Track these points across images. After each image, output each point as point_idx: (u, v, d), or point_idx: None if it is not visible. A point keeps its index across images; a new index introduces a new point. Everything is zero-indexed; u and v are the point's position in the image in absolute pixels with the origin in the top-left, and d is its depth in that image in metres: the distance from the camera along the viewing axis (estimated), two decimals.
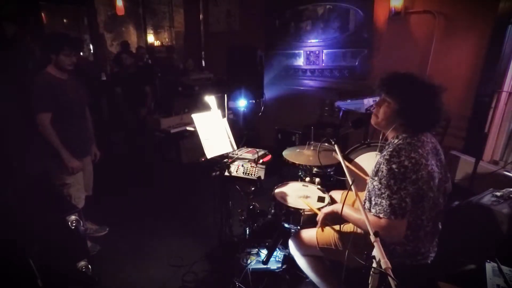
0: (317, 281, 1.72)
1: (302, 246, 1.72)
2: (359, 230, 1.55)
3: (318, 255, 1.67)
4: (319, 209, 1.80)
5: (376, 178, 1.32)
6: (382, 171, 1.28)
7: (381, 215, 1.27)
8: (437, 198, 1.35)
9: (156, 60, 6.63)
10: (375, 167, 1.36)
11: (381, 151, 1.54)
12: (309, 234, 1.71)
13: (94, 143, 2.52)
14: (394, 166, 1.25)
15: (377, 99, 1.47)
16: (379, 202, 1.28)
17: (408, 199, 1.24)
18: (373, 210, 1.31)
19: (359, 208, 1.30)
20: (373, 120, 1.45)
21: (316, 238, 1.65)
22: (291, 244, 1.79)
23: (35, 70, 2.15)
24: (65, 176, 2.20)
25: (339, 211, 1.44)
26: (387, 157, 1.29)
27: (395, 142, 1.37)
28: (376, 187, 1.31)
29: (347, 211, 1.43)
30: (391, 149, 1.31)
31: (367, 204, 1.46)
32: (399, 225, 1.26)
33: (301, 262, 1.75)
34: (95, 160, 2.55)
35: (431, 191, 1.30)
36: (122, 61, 4.27)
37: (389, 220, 1.25)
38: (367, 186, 1.47)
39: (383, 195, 1.27)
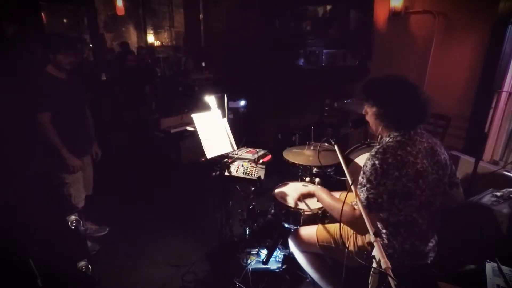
0: (317, 277, 1.72)
1: (302, 243, 1.73)
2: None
3: (318, 252, 1.68)
4: (322, 209, 1.81)
5: (361, 174, 1.35)
6: (366, 166, 1.32)
7: (355, 206, 1.32)
8: (430, 197, 1.35)
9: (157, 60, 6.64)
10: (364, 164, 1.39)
11: None
12: (309, 231, 1.71)
13: (95, 142, 2.53)
14: (377, 162, 1.29)
15: None
16: (359, 194, 1.32)
17: (385, 196, 1.28)
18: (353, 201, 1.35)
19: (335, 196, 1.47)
20: (369, 127, 1.53)
21: (316, 235, 1.66)
22: (290, 241, 1.80)
23: (35, 70, 2.15)
24: (65, 175, 2.20)
25: (315, 192, 1.60)
26: (373, 153, 1.33)
27: (385, 140, 1.41)
28: (359, 181, 1.35)
29: (322, 195, 1.55)
30: (378, 146, 1.36)
31: None
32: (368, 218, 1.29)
33: (301, 258, 1.76)
34: (96, 159, 2.55)
35: (418, 189, 1.31)
36: (126, 62, 4.28)
37: (363, 211, 1.25)
38: None
39: (362, 188, 1.31)
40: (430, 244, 1.45)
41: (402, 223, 1.35)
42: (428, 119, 1.42)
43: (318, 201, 1.67)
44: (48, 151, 2.13)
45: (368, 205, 1.28)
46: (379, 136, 1.48)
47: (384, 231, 1.40)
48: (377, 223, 1.38)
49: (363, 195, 1.30)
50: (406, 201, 1.31)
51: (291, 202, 1.92)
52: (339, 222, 1.58)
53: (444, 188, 1.42)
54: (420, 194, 1.32)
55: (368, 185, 1.30)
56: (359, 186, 1.35)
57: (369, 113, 1.46)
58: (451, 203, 1.52)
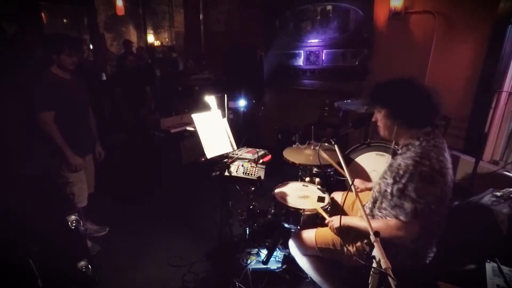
0: (318, 280, 1.72)
1: (302, 246, 1.72)
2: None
3: (318, 255, 1.68)
4: (323, 208, 1.80)
5: (401, 181, 1.30)
6: (410, 173, 1.27)
7: (401, 217, 1.27)
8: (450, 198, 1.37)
9: (156, 60, 6.63)
10: (396, 169, 1.34)
11: (393, 154, 1.55)
12: (308, 235, 1.71)
13: (98, 142, 2.54)
14: (424, 169, 1.25)
15: None
16: (399, 204, 1.29)
17: (433, 205, 1.25)
18: (392, 212, 1.31)
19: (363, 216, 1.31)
20: (380, 132, 1.49)
21: (315, 238, 1.66)
22: (291, 244, 1.79)
23: (36, 70, 2.16)
24: (67, 174, 2.21)
25: (347, 223, 1.48)
26: (417, 159, 1.28)
27: (416, 144, 1.36)
28: (399, 189, 1.30)
29: (355, 222, 1.45)
30: (419, 151, 1.30)
31: (369, 205, 1.46)
32: (415, 226, 1.27)
33: (302, 262, 1.76)
34: (99, 158, 2.57)
35: (450, 192, 1.32)
36: (127, 62, 4.28)
37: (410, 222, 1.26)
38: (378, 187, 1.46)
39: (407, 198, 1.27)
40: (433, 245, 1.46)
41: (424, 225, 1.31)
42: (439, 112, 1.39)
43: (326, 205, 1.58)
44: (50, 150, 2.14)
45: (416, 215, 1.25)
46: (394, 140, 1.47)
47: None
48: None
49: (409, 205, 1.26)
50: (440, 206, 1.30)
51: (291, 202, 1.92)
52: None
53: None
54: (449, 198, 1.33)
55: (414, 195, 1.25)
56: (396, 193, 1.30)
57: (379, 117, 1.45)
58: None
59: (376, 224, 1.34)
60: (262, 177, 2.01)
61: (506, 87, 2.62)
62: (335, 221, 1.57)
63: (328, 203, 1.90)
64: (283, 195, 2.01)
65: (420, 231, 1.29)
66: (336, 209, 1.91)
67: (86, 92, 2.36)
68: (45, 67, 2.12)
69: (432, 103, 1.36)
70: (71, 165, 2.18)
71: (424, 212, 1.25)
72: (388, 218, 1.33)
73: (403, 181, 1.29)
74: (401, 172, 1.31)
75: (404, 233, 1.28)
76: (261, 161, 2.13)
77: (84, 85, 2.35)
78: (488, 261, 1.41)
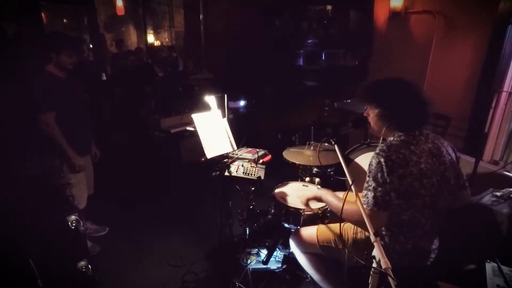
0: (318, 278, 1.72)
1: (302, 243, 1.73)
2: (359, 229, 1.55)
3: (318, 253, 1.68)
4: (323, 208, 1.81)
5: (368, 173, 1.35)
6: (372, 165, 1.33)
7: (365, 205, 1.29)
8: (434, 197, 1.35)
9: (156, 60, 6.63)
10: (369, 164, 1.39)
11: None
12: (309, 232, 1.72)
13: (93, 143, 2.53)
14: (382, 159, 1.29)
15: None
16: (364, 194, 1.32)
17: (392, 194, 1.26)
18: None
19: (339, 196, 1.47)
20: (370, 127, 1.53)
21: (317, 235, 1.66)
22: (291, 241, 1.80)
23: (35, 70, 2.15)
24: (68, 176, 2.20)
25: (321, 196, 1.57)
26: (377, 151, 1.34)
27: (389, 139, 1.42)
28: (366, 181, 1.34)
29: (328, 198, 1.53)
30: (382, 145, 1.37)
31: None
32: (379, 217, 1.28)
33: (302, 259, 1.76)
34: (95, 158, 2.56)
35: (423, 189, 1.31)
36: (126, 62, 4.29)
37: (371, 211, 1.27)
38: None
39: (369, 187, 1.30)
40: (433, 246, 1.45)
41: (405, 223, 1.34)
42: (430, 119, 1.42)
43: (326, 204, 1.63)
44: (50, 151, 2.13)
45: (376, 203, 1.26)
46: (382, 138, 1.49)
47: (387, 232, 1.39)
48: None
49: (370, 194, 1.29)
50: (410, 201, 1.30)
51: (291, 202, 1.92)
52: (344, 221, 1.58)
53: (449, 189, 1.41)
54: (424, 194, 1.31)
55: (374, 184, 1.29)
56: (365, 186, 1.33)
57: (371, 115, 1.46)
58: (458, 204, 1.52)
59: (351, 208, 1.35)
60: (262, 177, 2.01)
61: (506, 87, 2.63)
62: (306, 191, 1.70)
63: None
64: (283, 195, 2.01)
65: (401, 228, 1.34)
66: None
67: (83, 91, 2.35)
68: (42, 66, 2.11)
69: (427, 113, 1.38)
70: (74, 166, 2.17)
71: (385, 201, 1.26)
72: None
73: (367, 174, 1.34)
74: (368, 165, 1.37)
75: (358, 220, 1.28)
76: (261, 161, 2.13)
77: (80, 84, 2.33)
78: (488, 261, 1.41)
